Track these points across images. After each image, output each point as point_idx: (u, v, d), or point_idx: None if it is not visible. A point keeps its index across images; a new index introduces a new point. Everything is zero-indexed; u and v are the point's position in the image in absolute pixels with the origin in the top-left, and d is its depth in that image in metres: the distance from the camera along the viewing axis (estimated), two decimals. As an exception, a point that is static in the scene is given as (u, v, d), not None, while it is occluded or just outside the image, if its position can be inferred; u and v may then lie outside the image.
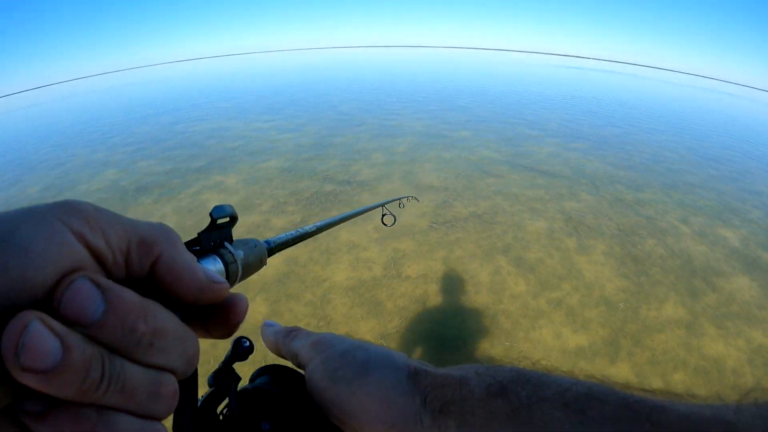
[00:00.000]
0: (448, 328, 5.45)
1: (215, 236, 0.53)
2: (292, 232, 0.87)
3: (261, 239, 0.68)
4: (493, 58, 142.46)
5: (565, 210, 8.82)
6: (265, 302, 6.07)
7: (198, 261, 0.44)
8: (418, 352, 5.13)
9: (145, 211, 9.47)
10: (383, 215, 2.40)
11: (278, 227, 8.14)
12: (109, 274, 0.33)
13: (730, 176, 12.45)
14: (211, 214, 0.51)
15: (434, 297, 6.03)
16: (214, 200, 9.55)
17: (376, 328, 5.50)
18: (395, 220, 2.42)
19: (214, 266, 0.49)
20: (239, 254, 0.56)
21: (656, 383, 4.72)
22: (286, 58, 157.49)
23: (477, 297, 6.02)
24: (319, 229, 1.02)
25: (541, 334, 5.38)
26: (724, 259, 7.44)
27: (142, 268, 0.35)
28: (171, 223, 6.46)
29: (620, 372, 4.87)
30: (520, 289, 6.19)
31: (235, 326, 0.45)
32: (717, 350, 5.30)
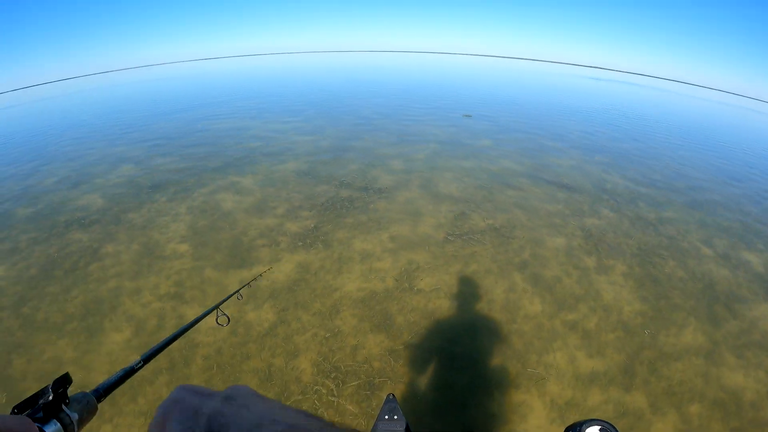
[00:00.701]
0: (458, 346, 5.27)
1: (56, 399, 0.72)
2: (119, 372, 1.07)
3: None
4: (516, 66, 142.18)
5: (586, 227, 8.62)
6: (273, 309, 5.95)
7: (42, 426, 0.65)
8: (425, 370, 4.96)
9: (158, 209, 9.39)
10: (218, 317, 2.27)
11: (291, 232, 8.04)
12: None
13: (753, 196, 12.16)
14: (51, 389, 0.71)
15: (446, 313, 5.86)
16: (228, 201, 9.52)
17: (385, 342, 5.34)
18: (229, 321, 2.29)
19: (55, 428, 0.69)
20: (74, 417, 0.75)
21: (671, 415, 4.53)
22: (314, 60, 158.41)
23: (490, 315, 5.84)
24: (146, 361, 1.18)
25: (554, 358, 5.19)
26: (746, 284, 7.20)
27: None
28: (184, 223, 7.50)
29: (635, 402, 4.67)
30: (536, 309, 6.00)
31: None
32: (736, 382, 5.09)
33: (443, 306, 6.00)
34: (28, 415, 0.70)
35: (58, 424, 0.72)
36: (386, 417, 1.86)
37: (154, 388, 4.70)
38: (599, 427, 0.90)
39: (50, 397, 0.73)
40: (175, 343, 4.55)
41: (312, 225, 8.31)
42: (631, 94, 60.77)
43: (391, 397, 2.03)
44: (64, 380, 0.77)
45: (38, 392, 0.74)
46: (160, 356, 4.07)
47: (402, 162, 12.53)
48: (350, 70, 74.51)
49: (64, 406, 0.76)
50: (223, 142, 15.49)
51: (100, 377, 4.78)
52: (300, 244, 7.63)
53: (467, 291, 6.36)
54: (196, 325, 3.69)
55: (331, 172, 11.46)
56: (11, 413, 0.68)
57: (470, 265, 7.00)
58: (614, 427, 0.91)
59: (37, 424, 0.67)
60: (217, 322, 2.25)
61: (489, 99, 31.30)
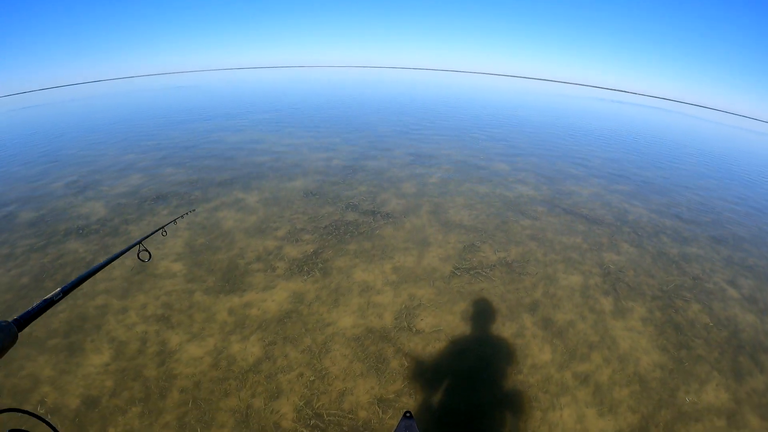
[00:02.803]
0: (455, 398, 4.77)
1: None
2: (40, 302, 1.16)
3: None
4: (536, 88, 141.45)
5: (604, 263, 8.06)
6: (260, 343, 5.53)
7: None
8: (416, 425, 4.46)
9: (159, 222, 9.08)
10: (139, 252, 2.42)
11: (290, 257, 7.65)
12: None
13: (782, 232, 11.49)
14: None
15: (446, 359, 5.35)
16: (230, 219, 9.16)
17: (376, 388, 4.88)
18: (150, 256, 2.47)
19: None
20: None
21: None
22: (341, 74, 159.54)
23: (494, 364, 5.32)
24: (65, 293, 1.31)
25: (561, 416, 4.67)
26: (774, 332, 6.61)
27: None
28: (182, 238, 7.19)
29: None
30: (545, 358, 5.48)
31: None
32: (760, 449, 4.54)
33: (443, 351, 5.50)
34: None
35: None
36: None
37: (126, 418, 4.37)
38: None
39: None
40: (152, 372, 4.13)
41: (312, 250, 7.89)
42: (655, 118, 59.82)
43: (408, 414, 2.31)
44: None
45: None
46: (136, 385, 4.39)
47: (413, 185, 12.05)
48: (374, 85, 74.65)
49: None
50: (234, 156, 15.22)
51: (73, 401, 4.58)
52: (297, 270, 7.22)
53: (471, 335, 5.84)
54: (178, 355, 4.67)
55: (339, 193, 11.05)
56: None
57: (477, 304, 6.49)
58: None
59: None
60: (138, 257, 2.41)
61: (507, 120, 30.70)
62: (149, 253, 2.44)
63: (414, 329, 5.85)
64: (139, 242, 2.45)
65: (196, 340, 5.57)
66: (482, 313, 6.30)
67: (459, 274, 7.27)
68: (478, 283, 7.05)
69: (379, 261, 7.54)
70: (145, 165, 14.09)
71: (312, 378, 4.98)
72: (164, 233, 3.36)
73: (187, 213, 5.38)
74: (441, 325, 5.96)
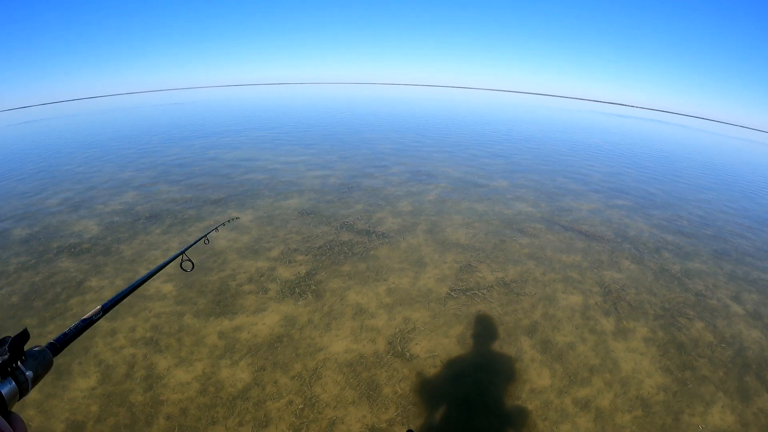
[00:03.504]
0: (450, 426, 4.59)
1: (11, 357, 0.76)
2: (77, 323, 1.15)
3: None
4: (534, 102, 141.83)
5: (604, 281, 7.86)
6: (249, 368, 5.36)
7: None
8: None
9: (151, 241, 9.01)
10: (182, 262, 2.38)
11: (282, 279, 7.47)
12: None
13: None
14: (8, 346, 0.76)
15: (441, 385, 5.16)
16: (223, 239, 9.00)
17: (368, 417, 4.69)
18: (193, 266, 2.44)
19: (9, 387, 0.73)
20: (29, 375, 0.79)
21: None
22: (342, 91, 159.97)
23: (491, 390, 5.12)
24: (105, 311, 1.35)
25: (561, 445, 4.46)
26: (779, 349, 6.42)
27: None
28: (174, 260, 5.97)
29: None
30: (544, 383, 5.27)
31: None
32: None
33: (439, 376, 5.31)
34: None
35: (13, 383, 0.74)
36: None
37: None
38: None
39: (6, 356, 0.75)
40: (139, 397, 3.99)
41: (305, 271, 7.71)
42: (655, 131, 59.71)
43: None
44: (22, 337, 0.80)
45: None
46: (121, 411, 3.79)
47: (410, 203, 11.88)
48: (373, 102, 74.68)
49: (19, 363, 0.78)
50: (230, 173, 15.10)
51: (58, 425, 4.48)
52: (289, 293, 7.04)
53: (467, 359, 5.64)
54: (165, 380, 4.53)
55: (335, 212, 10.88)
56: None
57: (473, 327, 6.29)
58: None
59: None
60: (182, 267, 2.35)
61: (506, 136, 30.50)
62: (192, 263, 2.42)
63: (408, 354, 5.65)
64: (182, 252, 2.40)
65: (184, 364, 5.41)
66: (479, 336, 6.10)
67: (455, 295, 7.08)
68: (475, 305, 6.85)
69: (373, 283, 7.36)
70: (140, 182, 13.99)
71: (302, 406, 4.79)
72: (206, 242, 3.39)
73: (229, 221, 5.25)
74: (436, 349, 5.76)
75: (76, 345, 5.58)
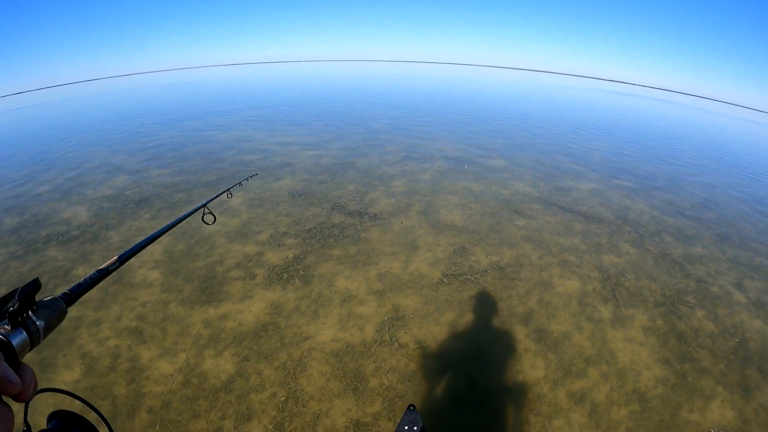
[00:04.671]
0: (438, 421, 4.39)
1: (22, 307, 0.73)
2: (92, 273, 1.11)
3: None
4: (535, 80, 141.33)
5: (603, 266, 7.63)
6: (234, 359, 5.17)
7: (8, 336, 0.68)
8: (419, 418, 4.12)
9: (139, 226, 8.88)
10: (204, 215, 2.41)
11: (270, 264, 7.27)
12: None
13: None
14: (18, 296, 0.72)
15: (429, 377, 4.95)
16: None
17: (353, 410, 4.50)
18: (215, 219, 2.45)
19: (20, 337, 0.71)
20: (41, 324, 0.77)
21: None
22: (340, 68, 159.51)
23: (482, 382, 4.91)
24: (122, 262, 1.27)
25: (553, 442, 4.26)
26: (781, 339, 6.21)
27: None
28: (162, 244, 7.88)
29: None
30: (537, 375, 5.06)
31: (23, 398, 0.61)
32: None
33: (428, 367, 5.10)
34: None
35: (24, 333, 0.72)
36: (406, 428, 2.23)
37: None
38: None
39: (16, 305, 0.72)
40: (122, 389, 3.81)
41: (293, 255, 7.51)
42: (658, 110, 59.25)
43: (411, 408, 2.38)
44: (33, 286, 0.76)
45: (4, 297, 0.73)
46: (105, 404, 5.05)
47: (404, 182, 11.63)
48: (372, 80, 74.33)
49: (30, 313, 0.76)
50: (222, 155, 14.85)
51: (41, 420, 4.16)
52: (276, 278, 6.84)
53: (458, 349, 5.43)
54: (148, 372, 4.22)
55: (327, 193, 10.66)
56: None
57: (465, 314, 6.07)
58: None
59: (1, 333, 0.67)
60: (203, 220, 2.40)
61: (505, 113, 30.20)
62: (214, 216, 2.44)
63: (397, 343, 5.45)
64: (204, 205, 2.42)
65: (167, 355, 5.24)
66: (471, 324, 5.88)
67: (447, 281, 6.84)
68: (468, 290, 6.62)
69: (363, 267, 7.14)
70: (132, 166, 13.77)
71: (285, 398, 4.62)
72: (230, 195, 3.42)
73: (251, 176, 5.08)
74: (426, 338, 5.55)
75: (61, 336, 5.51)
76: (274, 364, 5.10)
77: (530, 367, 5.17)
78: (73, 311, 5.87)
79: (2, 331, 0.70)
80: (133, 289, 6.61)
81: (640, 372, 5.22)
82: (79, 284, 1.04)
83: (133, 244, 1.42)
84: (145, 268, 7.19)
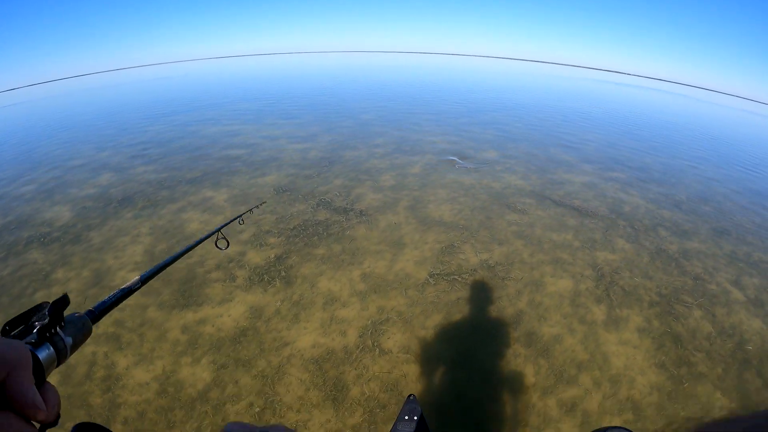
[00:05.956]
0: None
1: (51, 322, 0.70)
2: (116, 292, 1.08)
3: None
4: (529, 69, 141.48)
5: (597, 263, 7.39)
6: (211, 367, 4.96)
7: (35, 350, 0.64)
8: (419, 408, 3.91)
9: (120, 227, 8.60)
10: (217, 240, 2.37)
11: (252, 264, 7.04)
12: None
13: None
14: (48, 311, 0.70)
15: (413, 385, 4.73)
16: (195, 221, 8.62)
17: (332, 422, 4.28)
18: (228, 245, 2.37)
19: (47, 352, 0.67)
20: (68, 341, 0.74)
21: None
22: (330, 60, 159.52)
23: (467, 391, 4.68)
24: (144, 282, 1.23)
25: (542, 456, 4.05)
26: (780, 340, 6.00)
27: None
28: (143, 245, 7.80)
29: None
30: (527, 382, 4.83)
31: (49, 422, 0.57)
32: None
33: (411, 374, 4.87)
34: (18, 337, 0.67)
35: (52, 349, 0.68)
36: (406, 417, 2.33)
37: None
38: None
39: (45, 321, 0.69)
40: (98, 399, 3.75)
41: (275, 255, 7.27)
42: (653, 100, 59.11)
43: (411, 397, 2.45)
44: (63, 302, 0.73)
45: (33, 309, 0.72)
46: (80, 414, 4.26)
47: (393, 177, 11.37)
48: (361, 70, 74.53)
49: (59, 329, 0.73)
50: (209, 150, 14.62)
51: None
52: (258, 280, 6.61)
53: (444, 355, 5.19)
54: (124, 380, 4.21)
55: (313, 188, 10.41)
56: (1, 331, 0.67)
57: (452, 317, 5.83)
58: None
59: (28, 347, 0.60)
60: (216, 245, 2.34)
61: (497, 104, 30.02)
62: (227, 241, 2.36)
63: (380, 349, 5.22)
64: (218, 230, 2.36)
65: (144, 362, 5.05)
66: (458, 328, 5.64)
67: (434, 281, 6.59)
68: (455, 291, 6.37)
69: (347, 267, 6.91)
70: (117, 163, 13.52)
71: (262, 408, 4.44)
72: (241, 222, 3.35)
73: (258, 206, 4.89)
74: (410, 343, 5.32)
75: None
76: (252, 372, 4.89)
77: (519, 374, 4.94)
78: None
79: (29, 346, 0.65)
80: (111, 293, 6.35)
81: (634, 378, 4.99)
82: (103, 302, 1.00)
83: (154, 265, 1.46)
84: (125, 270, 6.97)
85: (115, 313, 5.83)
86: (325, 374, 4.85)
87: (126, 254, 7.47)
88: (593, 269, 7.20)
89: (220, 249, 2.39)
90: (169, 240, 7.92)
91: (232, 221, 2.98)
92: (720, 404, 4.74)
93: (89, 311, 0.92)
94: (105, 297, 1.02)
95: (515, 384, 4.79)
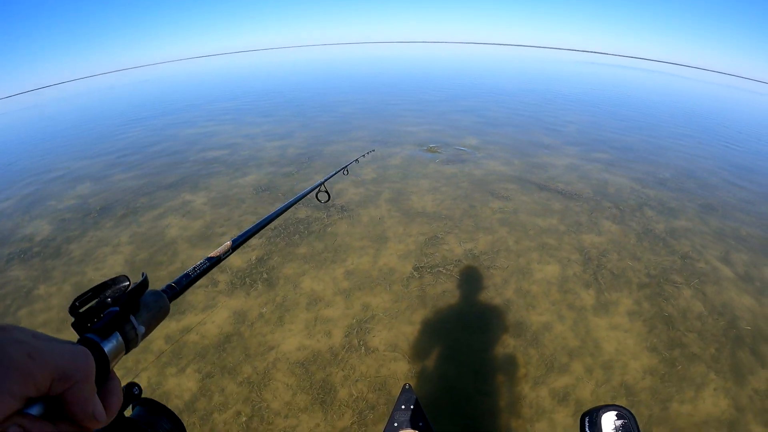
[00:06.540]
0: (412, 431, 4.02)
1: (125, 309, 0.63)
2: (203, 261, 0.99)
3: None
4: (505, 53, 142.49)
5: (584, 247, 7.31)
6: (196, 375, 4.82)
7: (102, 342, 0.57)
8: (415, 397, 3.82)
9: (101, 237, 8.40)
10: (317, 193, 2.46)
11: (233, 268, 6.88)
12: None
13: (768, 194, 10.88)
14: (122, 300, 0.62)
15: (401, 383, 4.57)
16: (174, 226, 8.45)
17: (321, 425, 4.17)
18: (329, 197, 2.50)
19: (114, 343, 0.59)
20: (141, 330, 0.65)
21: None
22: (308, 54, 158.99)
23: (457, 385, 4.58)
24: (235, 248, 1.19)
25: (537, 447, 3.97)
26: (773, 315, 5.94)
27: (55, 393, 0.45)
28: (122, 256, 7.52)
29: None
30: (518, 373, 4.75)
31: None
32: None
33: (399, 371, 4.76)
34: (87, 318, 0.61)
35: (121, 339, 0.60)
36: (402, 407, 2.42)
37: None
38: (615, 412, 1.07)
39: (116, 311, 0.62)
40: None
41: (256, 257, 7.13)
42: (633, 79, 59.45)
43: (407, 386, 2.57)
44: (142, 288, 0.68)
45: (108, 282, 0.65)
46: None
47: (373, 169, 11.22)
48: (339, 63, 74.51)
49: (132, 317, 0.65)
50: (186, 152, 14.38)
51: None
52: (240, 284, 6.46)
53: (431, 350, 5.09)
54: None
55: (293, 186, 10.29)
56: (70, 307, 0.61)
57: (439, 310, 5.72)
58: (630, 413, 1.10)
59: (94, 338, 0.56)
60: (317, 198, 2.50)
61: (475, 89, 30.01)
62: (329, 194, 2.48)
63: (366, 347, 5.11)
64: (322, 183, 2.45)
65: (129, 375, 4.89)
66: (445, 321, 5.53)
67: (419, 274, 6.47)
68: (441, 283, 6.26)
69: (330, 265, 6.78)
70: (95, 172, 13.25)
71: (250, 416, 4.31)
72: (345, 173, 3.55)
73: (368, 152, 4.74)
74: (397, 340, 5.20)
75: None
76: (238, 379, 4.77)
77: (510, 365, 4.85)
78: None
79: (95, 335, 0.57)
80: (195, 263, 6.25)
81: (626, 363, 4.90)
82: (187, 274, 0.92)
83: (244, 229, 1.37)
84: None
85: (97, 327, 5.72)
86: (311, 377, 4.74)
87: (107, 265, 7.32)
88: (580, 253, 7.12)
89: (320, 201, 2.52)
90: (150, 248, 7.76)
91: (336, 173, 3.15)
92: (715, 385, 4.68)
93: (168, 287, 0.83)
94: (188, 268, 0.94)
95: (506, 375, 4.70)
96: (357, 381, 4.65)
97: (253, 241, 7.59)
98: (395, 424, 2.44)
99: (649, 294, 6.15)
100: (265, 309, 5.87)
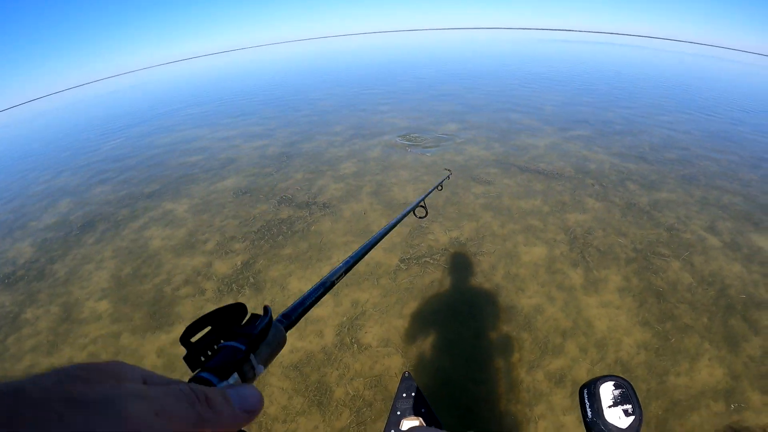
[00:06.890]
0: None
1: (249, 350, 0.56)
2: (315, 287, 0.88)
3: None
4: (473, 37, 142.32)
5: (569, 226, 7.32)
6: (190, 388, 4.66)
7: (219, 383, 0.49)
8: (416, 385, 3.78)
9: (84, 254, 8.27)
10: (415, 209, 2.30)
11: (219, 275, 6.81)
12: None
13: (749, 160, 11.00)
14: (248, 343, 0.56)
15: (396, 378, 4.58)
16: (157, 237, 8.35)
17: (320, 427, 4.14)
18: (426, 213, 2.42)
19: (232, 381, 0.52)
20: (259, 370, 0.58)
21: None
22: (283, 51, 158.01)
23: (453, 376, 4.56)
24: (350, 269, 1.04)
25: (536, 431, 3.94)
26: (762, 280, 5.98)
27: None
28: (107, 271, 7.35)
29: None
30: (512, 358, 4.73)
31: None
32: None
33: (393, 367, 4.74)
34: (201, 351, 0.54)
35: (238, 379, 0.53)
36: (404, 395, 2.43)
37: None
38: (613, 382, 1.13)
39: (241, 355, 0.54)
40: None
41: (242, 262, 7.06)
42: (604, 54, 59.82)
43: (407, 374, 2.62)
44: (269, 326, 0.61)
45: (224, 308, 0.60)
46: None
47: (353, 163, 11.15)
48: (320, 57, 74.12)
49: (252, 355, 0.56)
50: (165, 160, 14.19)
51: None
52: (227, 290, 6.40)
53: (424, 342, 5.07)
54: None
55: (273, 186, 10.16)
56: (182, 337, 0.54)
57: (429, 301, 5.70)
58: (628, 382, 1.15)
59: (212, 378, 0.49)
60: (414, 214, 2.32)
61: (451, 75, 30.03)
62: (426, 209, 2.42)
63: (359, 345, 5.08)
64: (420, 201, 2.41)
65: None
66: (435, 312, 5.51)
67: (406, 266, 6.44)
68: (429, 274, 6.23)
69: (316, 264, 6.73)
70: (75, 186, 13.04)
71: (247, 425, 4.20)
72: (440, 188, 3.60)
73: (447, 177, 4.67)
74: (389, 335, 5.17)
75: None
76: (233, 388, 4.69)
77: (504, 351, 4.83)
78: (25, 361, 5.48)
79: (212, 375, 0.50)
80: (82, 325, 6.13)
81: (620, 339, 4.91)
82: (302, 302, 0.81)
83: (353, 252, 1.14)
84: (92, 299, 6.71)
85: (88, 346, 5.66)
86: (306, 379, 4.70)
87: (92, 283, 7.20)
88: (566, 233, 7.12)
89: (417, 216, 2.42)
90: (134, 261, 7.64)
91: (432, 191, 3.05)
92: (709, 355, 4.69)
93: (284, 315, 0.76)
94: (298, 298, 0.84)
95: (501, 362, 4.69)
96: (352, 379, 4.62)
97: (237, 245, 7.54)
98: (398, 413, 2.44)
99: (637, 269, 6.16)
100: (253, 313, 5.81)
